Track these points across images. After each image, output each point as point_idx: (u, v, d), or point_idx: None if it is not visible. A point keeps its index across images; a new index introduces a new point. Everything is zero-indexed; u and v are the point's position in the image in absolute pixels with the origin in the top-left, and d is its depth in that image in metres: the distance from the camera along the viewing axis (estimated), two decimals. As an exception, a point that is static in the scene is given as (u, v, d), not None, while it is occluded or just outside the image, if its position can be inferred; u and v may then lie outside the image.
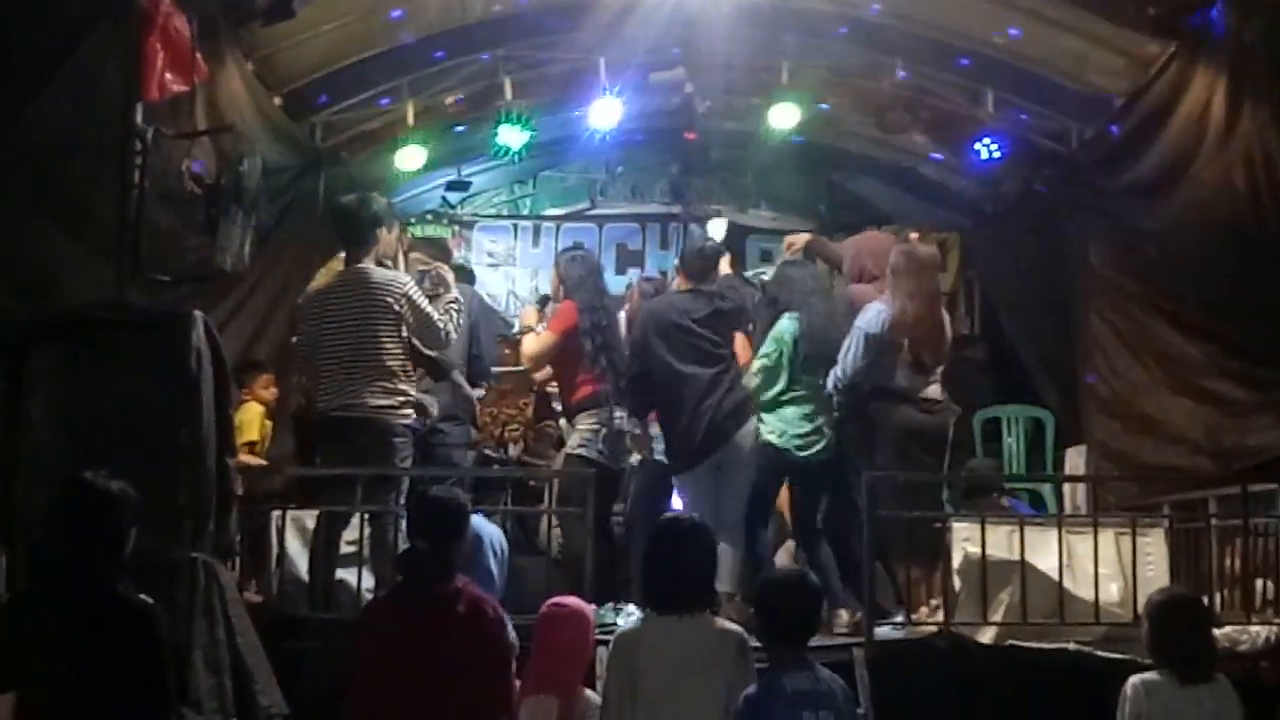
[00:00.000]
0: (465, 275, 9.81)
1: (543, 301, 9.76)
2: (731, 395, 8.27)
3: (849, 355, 8.17)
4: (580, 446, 8.38)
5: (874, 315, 8.18)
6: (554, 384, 9.37)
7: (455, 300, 8.06)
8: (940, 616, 7.55)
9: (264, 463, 8.75)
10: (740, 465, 8.26)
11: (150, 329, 6.20)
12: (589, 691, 5.70)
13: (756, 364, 8.44)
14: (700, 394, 8.19)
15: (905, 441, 8.19)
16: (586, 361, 8.47)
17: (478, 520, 6.48)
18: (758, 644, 5.47)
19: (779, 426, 8.34)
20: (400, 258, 9.21)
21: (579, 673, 5.73)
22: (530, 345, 8.89)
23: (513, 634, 5.52)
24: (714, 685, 5.23)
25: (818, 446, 8.34)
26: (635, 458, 8.66)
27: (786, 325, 8.44)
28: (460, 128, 11.40)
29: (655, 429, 8.57)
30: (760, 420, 8.34)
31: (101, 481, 4.83)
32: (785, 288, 8.71)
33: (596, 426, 8.36)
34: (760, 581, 5.85)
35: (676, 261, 9.15)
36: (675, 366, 8.24)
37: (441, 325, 7.68)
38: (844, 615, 7.95)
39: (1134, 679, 5.75)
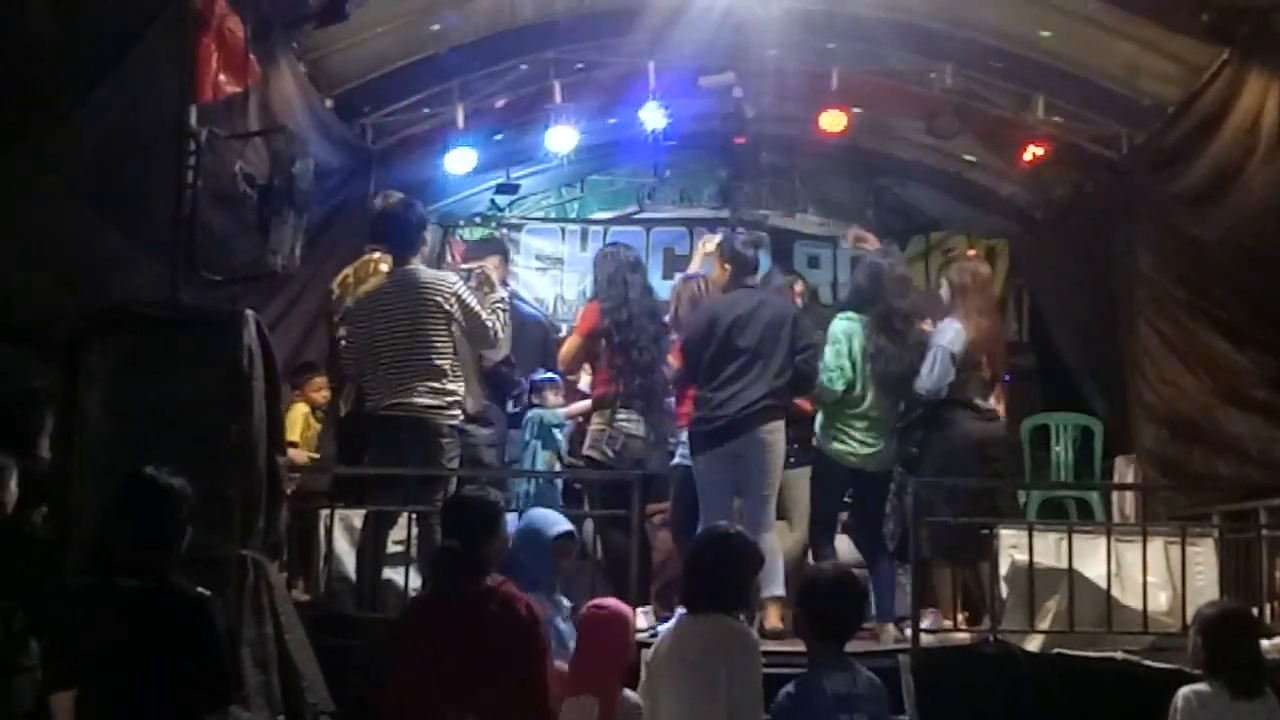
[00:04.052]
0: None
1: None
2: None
3: (933, 372, 8.19)
4: (591, 447, 8.42)
5: (954, 334, 8.23)
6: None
7: (501, 300, 8.09)
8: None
9: (315, 455, 8.84)
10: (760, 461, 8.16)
11: (203, 327, 6.27)
12: (629, 692, 5.71)
13: None
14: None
15: (971, 451, 8.21)
16: (604, 362, 8.49)
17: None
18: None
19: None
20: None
21: (619, 674, 5.73)
22: (562, 349, 9.00)
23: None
24: (716, 680, 5.27)
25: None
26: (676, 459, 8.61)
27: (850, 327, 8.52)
28: (509, 131, 11.42)
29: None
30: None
31: (162, 477, 4.88)
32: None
33: (602, 426, 8.37)
34: (803, 579, 5.87)
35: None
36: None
37: (490, 325, 7.73)
38: (891, 630, 7.93)
39: (1185, 690, 5.71)
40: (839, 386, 8.31)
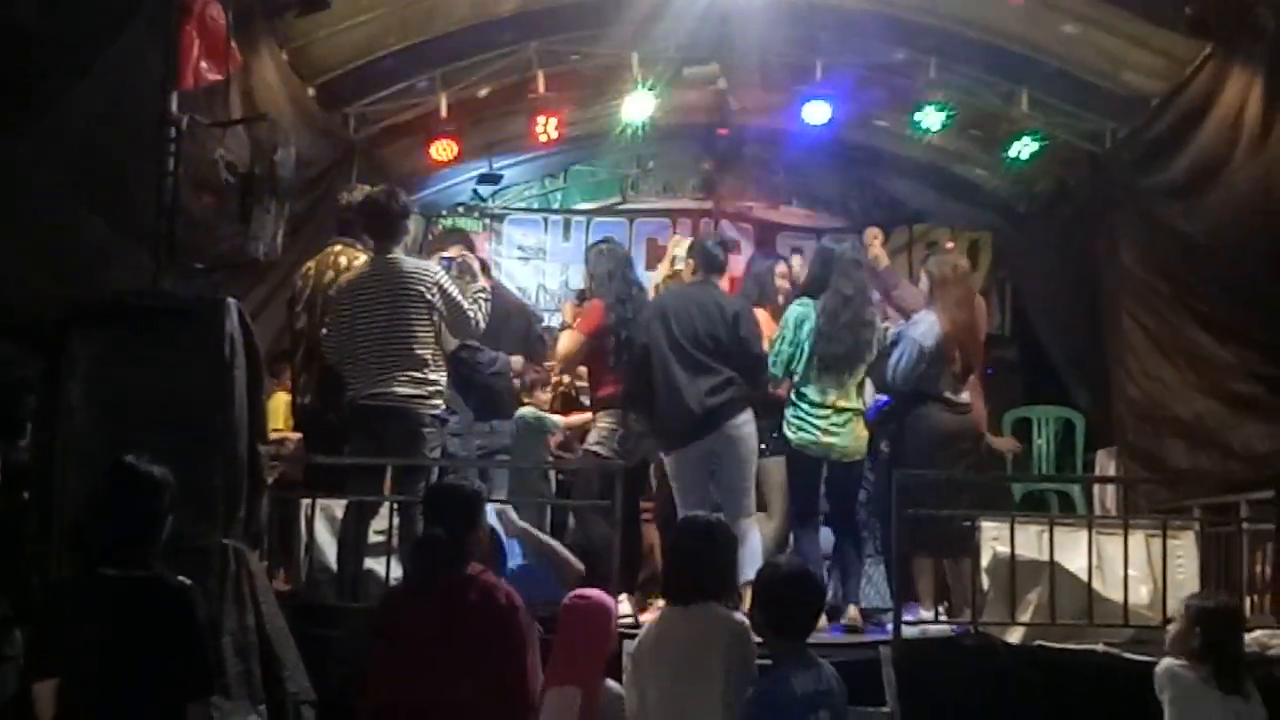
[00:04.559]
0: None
1: (580, 296, 9.75)
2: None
3: (900, 363, 8.21)
4: (597, 444, 8.36)
5: (927, 327, 8.25)
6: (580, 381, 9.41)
7: (483, 289, 8.08)
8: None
9: (299, 436, 8.80)
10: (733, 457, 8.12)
11: (185, 316, 6.23)
12: (611, 683, 5.71)
13: None
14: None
15: (940, 443, 8.22)
16: (610, 360, 8.46)
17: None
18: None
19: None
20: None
21: (601, 664, 5.72)
22: (560, 345, 8.94)
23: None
24: (709, 672, 5.25)
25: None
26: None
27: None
28: (493, 121, 11.40)
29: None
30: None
31: (144, 465, 4.86)
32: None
33: (614, 425, 8.35)
34: (760, 573, 5.79)
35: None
36: None
37: (472, 314, 7.71)
38: (853, 611, 7.97)
39: (1176, 665, 5.81)
40: (777, 372, 8.30)
